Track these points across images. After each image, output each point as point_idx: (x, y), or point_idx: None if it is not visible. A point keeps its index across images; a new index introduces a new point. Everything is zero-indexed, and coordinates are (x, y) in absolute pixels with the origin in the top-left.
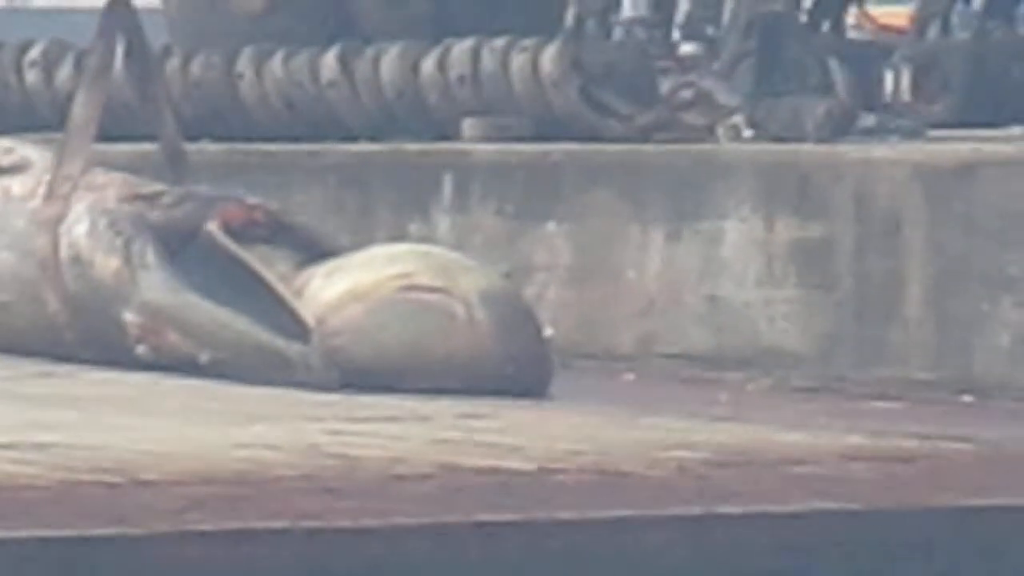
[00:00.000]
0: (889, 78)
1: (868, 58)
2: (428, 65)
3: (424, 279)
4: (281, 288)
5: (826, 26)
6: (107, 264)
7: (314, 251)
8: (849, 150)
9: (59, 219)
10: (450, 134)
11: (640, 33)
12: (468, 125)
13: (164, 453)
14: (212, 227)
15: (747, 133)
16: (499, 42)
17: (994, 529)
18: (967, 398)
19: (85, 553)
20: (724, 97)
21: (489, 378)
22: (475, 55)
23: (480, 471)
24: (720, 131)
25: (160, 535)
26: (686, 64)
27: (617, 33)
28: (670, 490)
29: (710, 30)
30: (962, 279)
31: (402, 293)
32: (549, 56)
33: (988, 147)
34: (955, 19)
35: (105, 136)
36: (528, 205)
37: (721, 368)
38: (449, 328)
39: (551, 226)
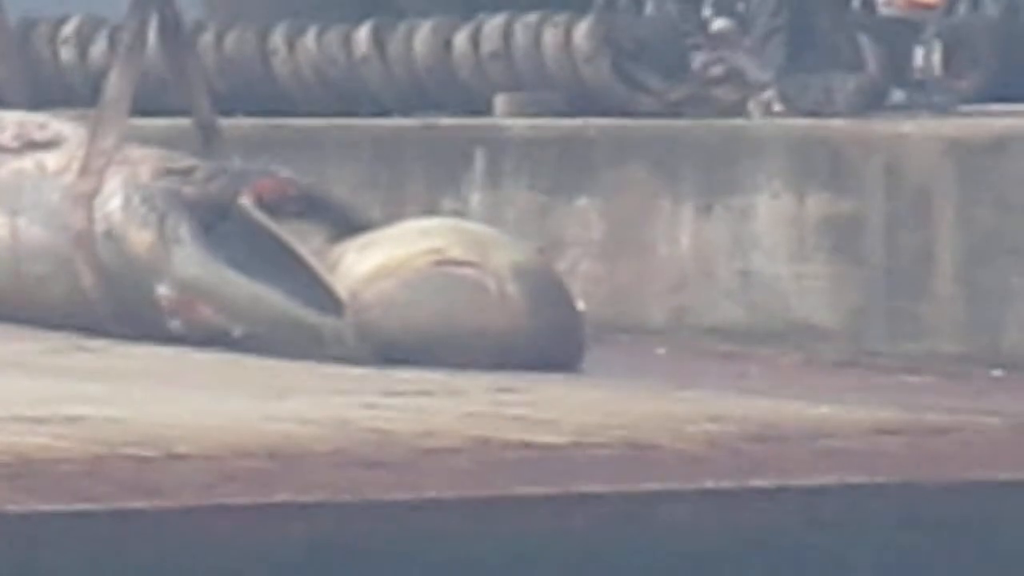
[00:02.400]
0: (919, 54)
1: (899, 34)
2: (461, 40)
3: (456, 253)
4: (314, 262)
5: (857, 1)
6: (141, 238)
7: (347, 225)
8: (880, 125)
9: (93, 194)
10: (482, 109)
11: (671, 8)
12: (500, 100)
13: (197, 427)
14: (246, 202)
15: (778, 108)
16: (531, 17)
17: None
18: (997, 372)
19: (118, 526)
20: (755, 73)
21: (521, 352)
22: (507, 30)
23: (512, 445)
24: (751, 106)
25: (192, 508)
26: (717, 40)
27: (649, 8)
28: (702, 463)
29: (741, 5)
30: (992, 253)
31: (435, 267)
32: (581, 31)
33: (1018, 122)
34: None
35: (139, 111)
36: (560, 180)
37: (752, 342)
38: (481, 302)
39: (583, 201)
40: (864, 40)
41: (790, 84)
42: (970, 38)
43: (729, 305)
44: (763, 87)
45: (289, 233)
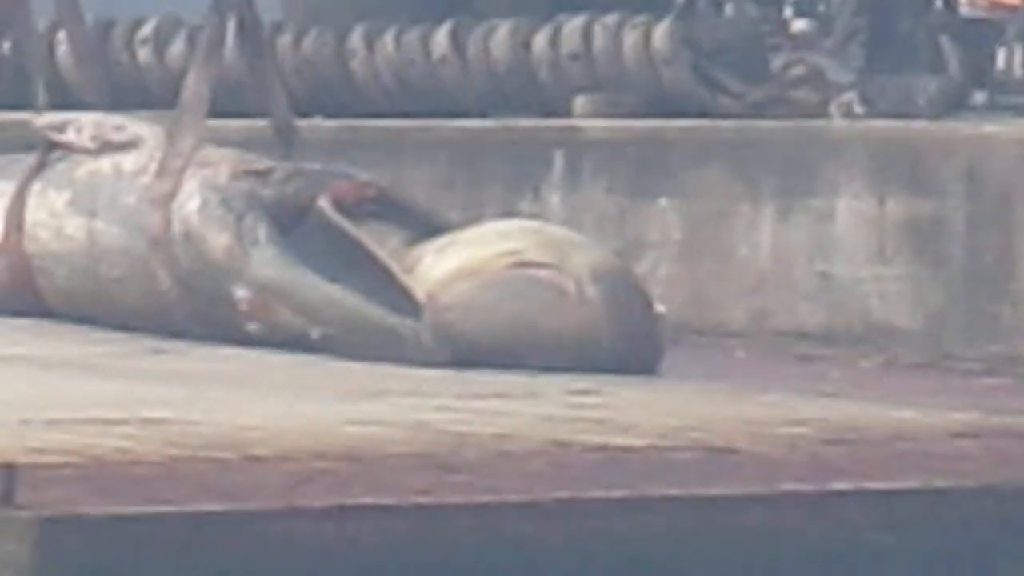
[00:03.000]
0: (1001, 55)
1: (980, 35)
2: (539, 42)
3: (535, 255)
4: (392, 264)
5: (938, 2)
6: (218, 240)
7: (425, 227)
8: (961, 127)
9: (171, 195)
10: (561, 111)
11: (752, 10)
12: (579, 102)
13: (275, 429)
14: (323, 203)
15: (858, 110)
16: (611, 19)
17: None
18: None
19: (196, 528)
20: (836, 74)
21: (599, 355)
22: (587, 32)
23: (589, 448)
24: (832, 108)
25: (271, 511)
26: (798, 41)
27: (729, 9)
28: (781, 467)
29: (822, 6)
30: None
31: (513, 269)
32: (661, 33)
33: None
34: None
35: (217, 112)
36: (639, 182)
37: (832, 344)
38: (560, 304)
39: (662, 202)
40: (945, 41)
41: (871, 85)
42: None
43: (809, 307)
44: (843, 88)
45: (367, 235)
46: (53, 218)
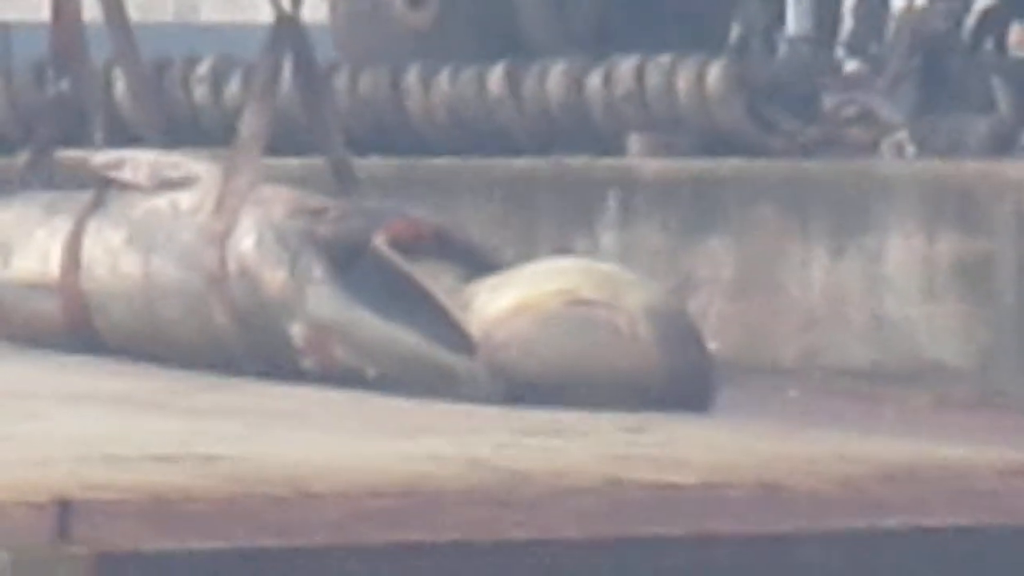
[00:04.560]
0: None
1: None
2: (593, 81)
3: (589, 293)
4: (447, 302)
5: (989, 44)
6: (274, 278)
7: (480, 265)
8: (1011, 167)
9: (227, 233)
10: (615, 149)
11: (804, 50)
12: (633, 140)
13: (331, 466)
14: (379, 242)
15: (910, 150)
16: (664, 59)
17: None
18: None
19: (252, 565)
20: (887, 114)
21: (653, 392)
22: (640, 71)
23: (645, 485)
24: (883, 148)
25: (327, 547)
26: (850, 81)
27: (782, 50)
28: (833, 504)
29: (874, 48)
30: None
31: (567, 307)
32: (714, 73)
33: None
34: None
35: (273, 151)
36: (692, 220)
37: (884, 383)
38: (614, 342)
39: (715, 241)
40: (996, 82)
41: (922, 126)
42: None
43: (860, 345)
44: (895, 129)
45: (422, 273)
46: (110, 255)
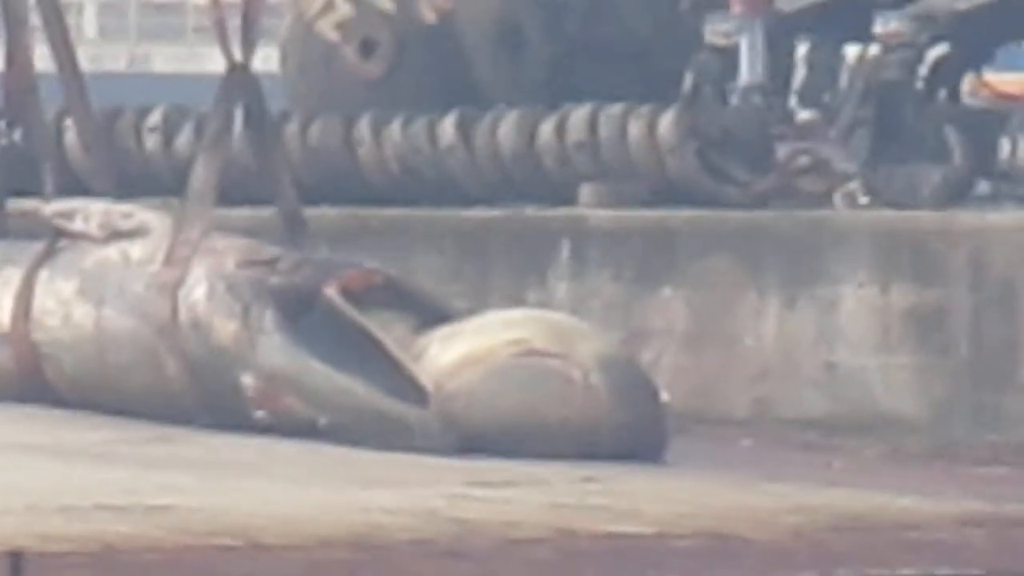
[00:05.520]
0: (1005, 145)
1: (984, 125)
2: (546, 131)
3: (541, 344)
4: (399, 353)
5: (943, 94)
6: (226, 328)
7: (432, 316)
8: (965, 217)
9: (178, 283)
10: (567, 199)
11: (757, 100)
12: (585, 191)
13: (282, 517)
14: (330, 292)
15: (863, 200)
16: (616, 108)
17: None
18: None
19: None
20: (841, 164)
21: (606, 443)
22: (592, 121)
23: (596, 536)
24: (837, 198)
25: None
26: (802, 131)
27: (733, 99)
28: (786, 555)
29: (826, 97)
30: None
31: (519, 358)
32: (666, 122)
33: None
34: None
35: (224, 201)
36: (645, 271)
37: (837, 434)
38: (566, 393)
39: (667, 292)
40: (950, 131)
41: (875, 175)
42: None
43: (814, 396)
44: (848, 178)
45: (374, 323)
46: (61, 306)
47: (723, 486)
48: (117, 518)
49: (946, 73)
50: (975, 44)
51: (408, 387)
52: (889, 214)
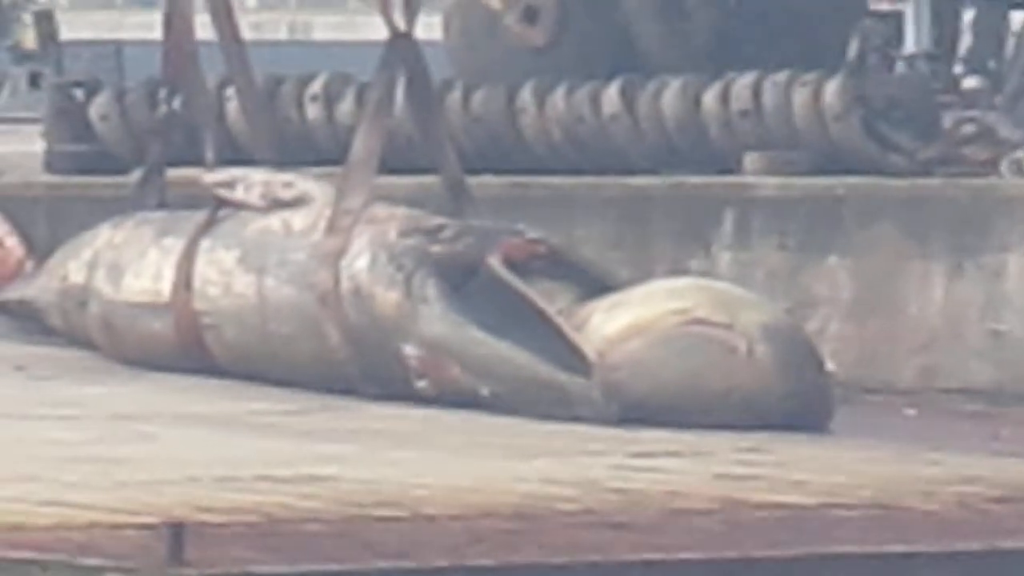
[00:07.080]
0: None
1: None
2: (709, 99)
3: (705, 314)
4: (562, 322)
5: None
6: (388, 298)
7: (595, 285)
8: None
9: (340, 253)
10: (731, 168)
11: (923, 67)
12: (749, 159)
13: (445, 487)
14: (493, 261)
15: None
16: (781, 76)
17: None
18: None
19: None
20: (1007, 131)
21: (770, 413)
22: (757, 89)
23: (761, 506)
24: (1003, 165)
25: (441, 569)
26: (969, 98)
27: (899, 67)
28: (951, 526)
29: (992, 64)
30: None
31: (683, 328)
32: (832, 90)
33: None
34: None
35: (386, 169)
36: (810, 239)
37: (1003, 402)
38: (730, 363)
39: (833, 260)
40: None
41: None
42: None
43: (980, 365)
44: (1014, 146)
45: (536, 293)
46: (223, 275)
47: (888, 456)
48: (278, 489)
49: None
50: None
51: (571, 357)
52: None
